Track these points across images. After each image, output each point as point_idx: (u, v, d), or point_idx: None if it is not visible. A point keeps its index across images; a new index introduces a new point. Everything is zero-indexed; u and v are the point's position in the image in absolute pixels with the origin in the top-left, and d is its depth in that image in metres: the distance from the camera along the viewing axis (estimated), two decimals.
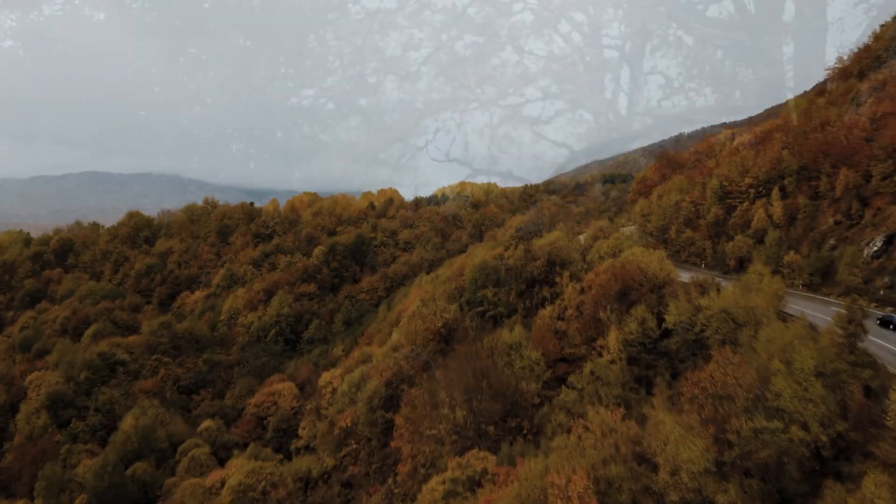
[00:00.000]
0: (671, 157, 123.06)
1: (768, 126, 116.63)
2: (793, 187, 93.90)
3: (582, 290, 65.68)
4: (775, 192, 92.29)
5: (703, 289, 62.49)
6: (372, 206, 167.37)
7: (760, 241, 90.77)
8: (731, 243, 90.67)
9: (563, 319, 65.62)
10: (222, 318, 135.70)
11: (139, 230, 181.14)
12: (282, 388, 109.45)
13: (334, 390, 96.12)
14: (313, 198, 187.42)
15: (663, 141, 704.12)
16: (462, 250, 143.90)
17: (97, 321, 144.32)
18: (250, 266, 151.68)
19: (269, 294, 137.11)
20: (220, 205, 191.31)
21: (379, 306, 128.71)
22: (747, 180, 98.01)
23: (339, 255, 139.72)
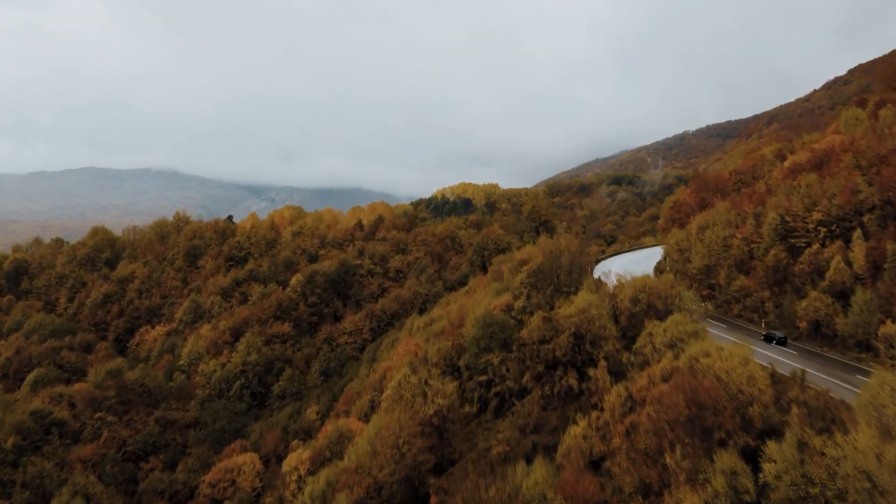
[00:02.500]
0: (709, 179, 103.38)
1: (827, 143, 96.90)
2: (875, 227, 74.48)
3: (630, 398, 46.66)
4: (857, 235, 72.83)
5: (808, 409, 43.24)
6: (360, 225, 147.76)
7: (838, 295, 71.59)
8: (804, 302, 71.04)
9: (604, 439, 46.46)
10: (182, 362, 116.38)
11: (100, 251, 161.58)
12: (242, 463, 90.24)
13: (301, 479, 77.24)
14: (296, 213, 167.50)
15: (667, 139, 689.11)
16: (462, 281, 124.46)
17: (41, 364, 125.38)
18: (218, 297, 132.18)
19: (238, 334, 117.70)
20: (193, 221, 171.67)
21: (363, 353, 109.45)
22: (816, 215, 78.29)
23: (319, 288, 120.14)
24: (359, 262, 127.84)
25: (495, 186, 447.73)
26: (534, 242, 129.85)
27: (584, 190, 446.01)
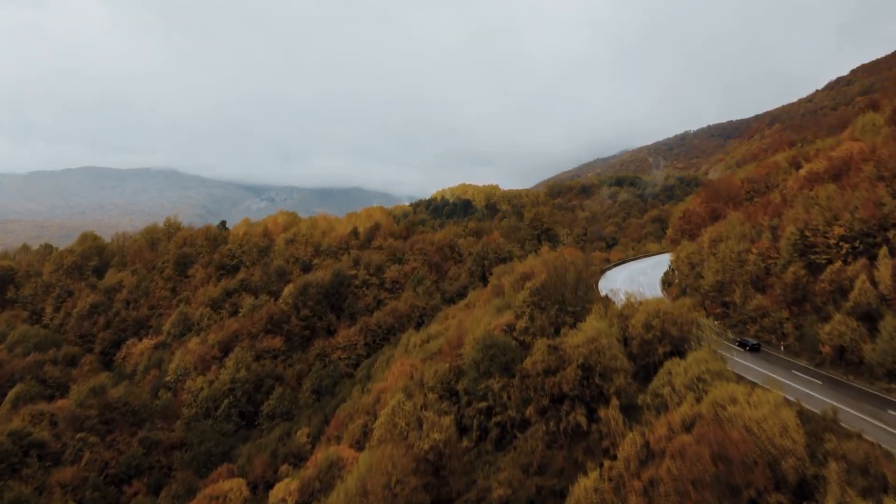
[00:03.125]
0: (720, 188, 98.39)
1: (845, 151, 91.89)
2: None
3: (646, 447, 41.84)
4: (883, 252, 67.89)
5: (847, 463, 38.36)
6: (355, 232, 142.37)
7: (864, 318, 66.66)
8: (827, 325, 66.21)
9: (618, 492, 41.61)
10: (168, 378, 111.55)
11: (88, 258, 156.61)
12: (228, 490, 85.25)
13: None
14: (290, 219, 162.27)
15: (668, 139, 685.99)
16: (461, 293, 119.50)
17: (24, 379, 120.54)
18: (208, 308, 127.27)
19: (227, 348, 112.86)
20: (184, 227, 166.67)
21: (357, 369, 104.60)
22: (837, 230, 73.36)
23: (312, 300, 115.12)
24: (354, 272, 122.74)
25: (495, 188, 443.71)
26: (536, 252, 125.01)
27: (585, 191, 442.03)
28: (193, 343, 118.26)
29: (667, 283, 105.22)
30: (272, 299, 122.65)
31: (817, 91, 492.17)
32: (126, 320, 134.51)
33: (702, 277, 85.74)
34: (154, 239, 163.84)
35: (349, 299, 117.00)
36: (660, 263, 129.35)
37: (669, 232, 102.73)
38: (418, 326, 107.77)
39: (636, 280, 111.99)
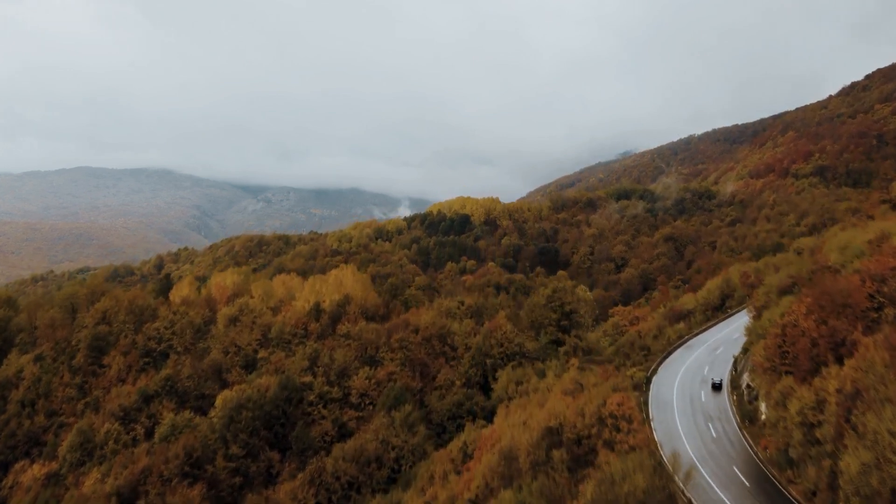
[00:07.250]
0: (832, 291, 65.99)
1: None
2: None
3: None
4: None
5: None
6: (317, 311, 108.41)
7: None
8: None
9: None
10: None
11: None
12: None
13: None
14: (242, 281, 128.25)
15: (672, 143, 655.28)
16: (454, 416, 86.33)
17: None
18: (118, 423, 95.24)
19: (130, 500, 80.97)
20: (109, 292, 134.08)
21: None
22: None
23: (246, 430, 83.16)
24: (308, 379, 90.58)
25: (495, 201, 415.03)
26: (556, 349, 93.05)
27: (592, 204, 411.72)
28: (90, 482, 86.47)
29: (747, 417, 73.38)
30: (195, 416, 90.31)
31: (831, 97, 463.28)
32: (17, 433, 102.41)
33: (832, 459, 54.00)
34: (75, 304, 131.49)
35: (299, 426, 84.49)
36: (718, 355, 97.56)
37: (759, 356, 70.13)
38: (392, 480, 75.74)
39: (696, 401, 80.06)
